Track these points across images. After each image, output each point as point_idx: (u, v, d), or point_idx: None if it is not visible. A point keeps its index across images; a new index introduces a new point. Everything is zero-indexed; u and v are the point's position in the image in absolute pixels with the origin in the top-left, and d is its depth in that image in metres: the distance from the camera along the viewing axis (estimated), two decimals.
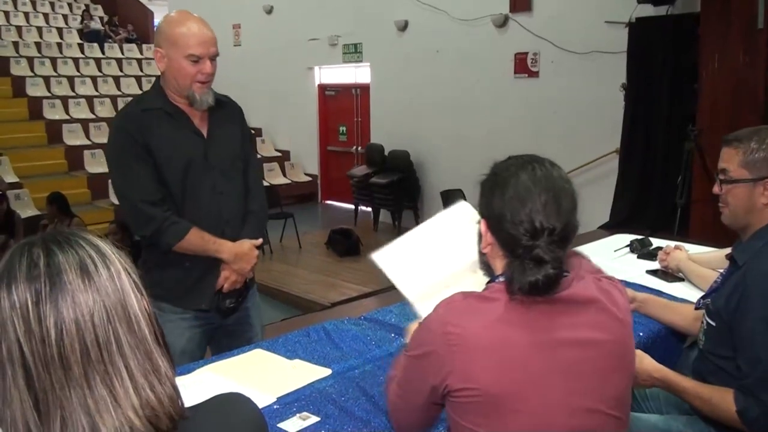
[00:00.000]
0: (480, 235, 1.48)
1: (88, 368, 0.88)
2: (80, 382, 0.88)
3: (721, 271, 2.08)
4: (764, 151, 1.86)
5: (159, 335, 0.97)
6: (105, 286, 0.91)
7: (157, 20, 16.50)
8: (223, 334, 2.67)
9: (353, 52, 10.84)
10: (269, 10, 12.27)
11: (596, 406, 1.38)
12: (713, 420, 1.92)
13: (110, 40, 15.40)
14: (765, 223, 1.91)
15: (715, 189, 2.01)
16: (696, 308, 2.18)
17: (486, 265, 1.49)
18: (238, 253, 2.54)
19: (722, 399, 1.83)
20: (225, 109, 2.63)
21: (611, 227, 6.28)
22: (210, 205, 2.52)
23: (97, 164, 11.21)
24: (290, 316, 5.61)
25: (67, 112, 12.40)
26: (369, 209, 10.18)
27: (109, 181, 10.28)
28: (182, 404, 0.97)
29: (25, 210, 9.27)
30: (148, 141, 2.41)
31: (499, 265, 1.45)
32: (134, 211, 2.44)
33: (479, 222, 1.47)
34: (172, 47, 2.41)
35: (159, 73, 2.50)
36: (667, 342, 2.46)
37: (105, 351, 0.89)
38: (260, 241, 2.64)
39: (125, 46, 15.39)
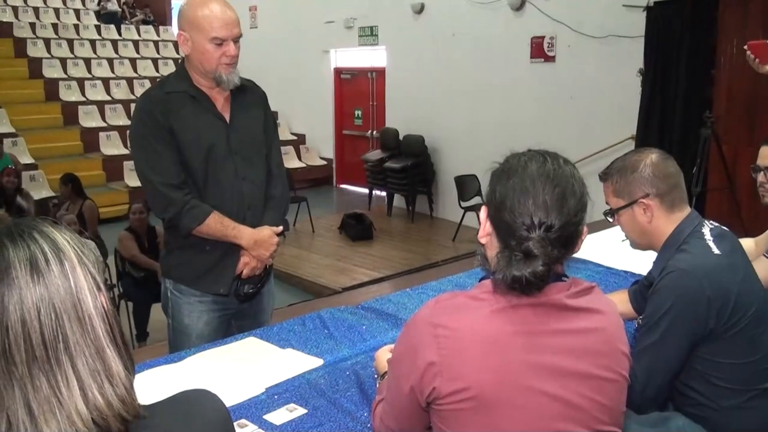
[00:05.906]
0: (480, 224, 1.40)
1: (33, 367, 0.85)
2: (24, 381, 0.85)
3: None
4: (625, 178, 2.00)
5: (116, 334, 0.93)
6: (56, 282, 0.88)
7: (174, 2, 16.49)
8: (235, 316, 2.65)
9: (369, 35, 10.75)
10: None
11: (588, 413, 1.31)
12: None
13: (127, 22, 15.39)
14: (663, 236, 1.99)
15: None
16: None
17: (483, 257, 1.41)
18: (257, 240, 2.50)
19: None
20: (248, 94, 2.59)
21: None
22: (232, 190, 2.49)
23: (112, 146, 11.25)
24: (299, 300, 5.59)
25: (83, 94, 12.44)
26: (383, 194, 10.14)
27: (124, 163, 10.38)
28: (136, 404, 0.93)
29: (40, 191, 9.32)
30: (171, 124, 2.39)
31: (493, 257, 1.36)
32: (155, 193, 2.42)
33: (481, 209, 1.41)
34: (195, 31, 2.37)
35: (175, 56, 2.49)
36: None
37: (51, 350, 0.86)
38: (281, 228, 2.60)
39: (142, 28, 15.35)
